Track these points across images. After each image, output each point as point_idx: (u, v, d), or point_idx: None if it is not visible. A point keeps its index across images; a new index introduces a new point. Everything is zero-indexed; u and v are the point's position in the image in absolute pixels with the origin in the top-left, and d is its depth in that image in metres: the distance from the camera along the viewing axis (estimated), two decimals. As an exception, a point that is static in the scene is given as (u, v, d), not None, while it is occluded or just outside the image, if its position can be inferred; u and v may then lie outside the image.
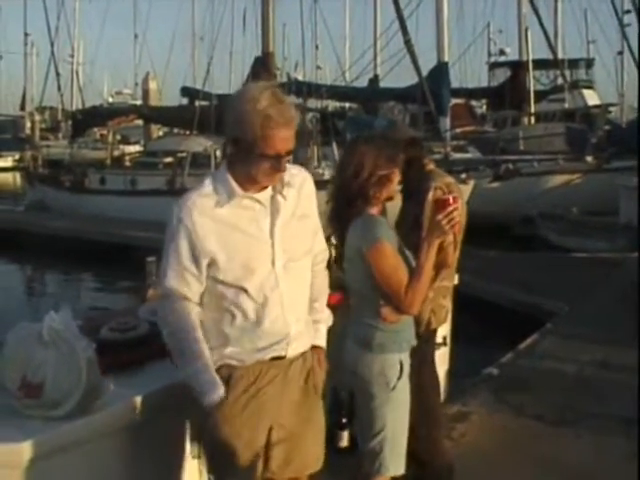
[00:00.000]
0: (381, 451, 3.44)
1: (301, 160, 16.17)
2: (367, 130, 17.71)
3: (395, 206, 3.89)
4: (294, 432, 3.03)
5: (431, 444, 4.25)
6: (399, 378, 3.42)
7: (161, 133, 31.36)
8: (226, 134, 2.93)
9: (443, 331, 4.73)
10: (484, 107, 37.83)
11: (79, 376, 2.82)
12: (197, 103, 23.89)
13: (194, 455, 3.22)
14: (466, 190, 10.67)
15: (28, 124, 46.11)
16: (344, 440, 4.68)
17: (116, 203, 20.28)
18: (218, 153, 19.41)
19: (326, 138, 19.78)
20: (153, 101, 27.71)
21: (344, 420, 4.63)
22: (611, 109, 34.64)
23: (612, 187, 16.24)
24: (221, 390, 2.86)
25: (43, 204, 23.27)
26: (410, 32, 18.39)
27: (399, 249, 3.41)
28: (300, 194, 3.03)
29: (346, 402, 4.35)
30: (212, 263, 2.84)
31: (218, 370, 2.89)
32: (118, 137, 29.21)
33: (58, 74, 28.58)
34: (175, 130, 28.12)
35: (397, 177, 3.53)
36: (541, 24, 24.17)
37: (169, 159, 21.82)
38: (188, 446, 3.27)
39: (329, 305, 3.39)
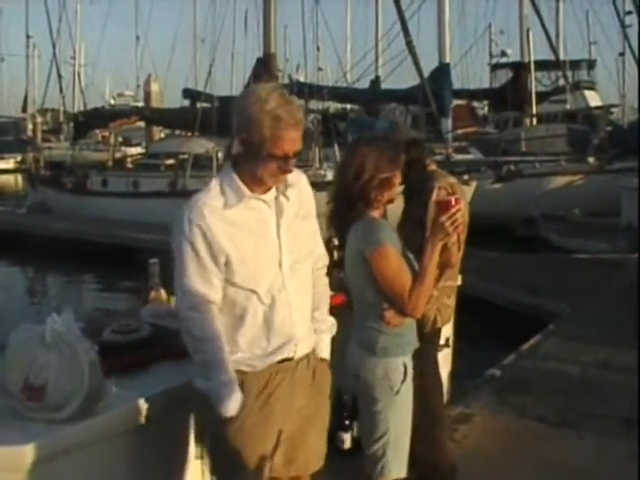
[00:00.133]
0: (384, 454, 3.43)
1: (302, 161, 16.17)
2: (368, 131, 17.74)
3: (396, 207, 3.88)
4: (298, 431, 3.05)
5: (434, 445, 4.25)
6: (403, 382, 3.41)
7: (163, 135, 31.37)
8: (232, 135, 2.91)
9: (446, 332, 4.72)
10: (486, 108, 37.79)
11: (81, 378, 2.82)
12: (199, 105, 23.85)
13: (197, 456, 3.23)
14: (468, 191, 10.66)
15: (30, 126, 46.03)
16: (347, 442, 4.69)
17: (118, 205, 20.28)
18: (220, 155, 19.38)
19: (327, 139, 19.77)
20: (155, 103, 27.70)
21: (347, 422, 4.65)
22: (613, 110, 34.56)
23: (614, 188, 16.22)
24: (239, 399, 2.86)
25: (45, 206, 23.25)
26: (412, 33, 18.36)
27: (402, 252, 3.41)
28: (300, 194, 3.04)
29: (349, 404, 4.36)
30: (227, 262, 2.82)
31: None
32: (120, 139, 29.23)
33: (60, 76, 28.61)
34: (177, 132, 28.11)
35: (399, 180, 3.52)
36: (543, 25, 24.14)
37: (171, 161, 21.78)
38: (191, 448, 3.27)
39: (331, 306, 3.39)
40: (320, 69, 41.91)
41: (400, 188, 3.97)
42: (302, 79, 27.67)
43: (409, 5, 20.21)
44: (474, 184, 13.97)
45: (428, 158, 4.47)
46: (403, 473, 3.49)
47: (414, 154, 4.21)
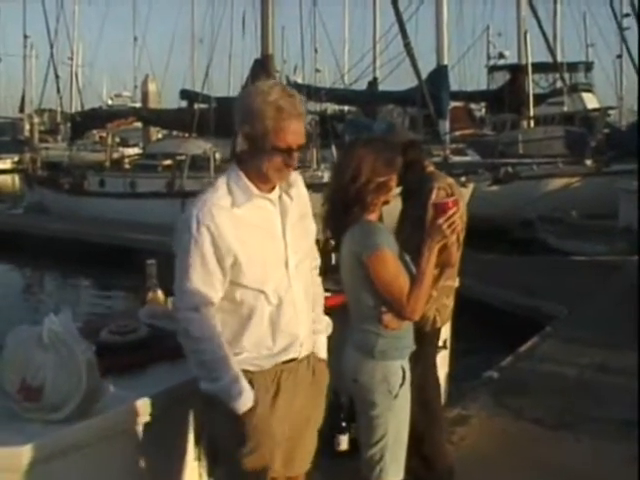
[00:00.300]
0: (382, 458, 3.42)
1: (300, 162, 16.15)
2: (366, 133, 17.73)
3: (392, 209, 3.86)
4: (297, 431, 3.06)
5: (433, 446, 4.26)
6: (401, 385, 3.40)
7: (160, 136, 31.40)
8: (235, 133, 2.90)
9: (444, 334, 4.72)
10: (483, 110, 37.80)
11: (79, 379, 2.81)
12: (196, 106, 23.84)
13: (195, 458, 3.22)
14: (465, 193, 10.65)
15: (27, 126, 45.95)
16: (344, 443, 4.70)
17: (115, 205, 20.28)
18: (217, 155, 19.42)
19: (325, 141, 19.77)
20: (152, 104, 27.68)
21: (344, 424, 4.65)
22: (610, 112, 34.60)
23: (611, 190, 16.23)
24: (251, 393, 2.85)
25: (42, 206, 23.24)
26: (409, 35, 18.43)
27: (399, 255, 3.40)
28: (300, 194, 3.05)
29: (346, 406, 4.36)
30: (234, 264, 2.81)
31: None
32: (117, 139, 29.14)
33: (57, 76, 28.67)
34: (174, 133, 28.12)
35: (395, 182, 3.50)
36: (540, 27, 24.24)
37: (168, 162, 21.76)
38: (189, 449, 3.27)
39: (326, 307, 3.39)
40: (318, 70, 41.96)
41: (397, 190, 3.97)
42: (300, 80, 27.80)
43: (407, 7, 20.30)
44: (471, 186, 13.96)
45: (426, 159, 4.47)
46: (400, 476, 3.48)
47: (412, 156, 4.21)
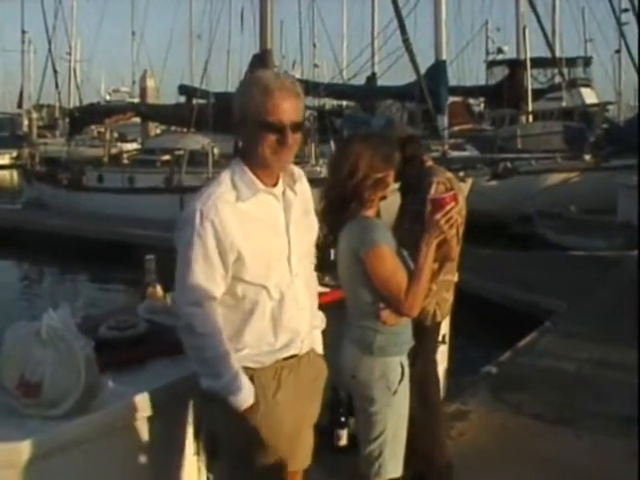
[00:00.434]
0: (380, 454, 3.41)
1: (298, 158, 16.15)
2: (365, 128, 17.74)
3: (390, 204, 3.85)
4: (297, 427, 3.04)
5: (433, 442, 4.27)
6: (400, 381, 3.40)
7: (158, 131, 31.41)
8: (234, 122, 2.88)
9: (443, 329, 4.73)
10: (482, 105, 37.87)
11: (78, 375, 2.80)
12: (195, 101, 23.78)
13: (194, 453, 3.22)
14: (464, 188, 10.65)
15: (25, 122, 46.11)
16: (343, 438, 4.71)
17: (114, 201, 20.25)
18: (216, 151, 19.40)
19: (324, 136, 19.77)
20: (150, 99, 27.64)
21: (343, 419, 4.66)
22: (609, 107, 34.63)
23: (610, 185, 16.24)
24: (252, 389, 2.84)
25: (40, 202, 23.25)
26: (408, 30, 18.38)
27: (396, 250, 3.39)
28: (304, 190, 3.05)
29: (345, 401, 4.37)
30: (238, 259, 2.79)
31: None
32: (115, 135, 29.17)
33: (55, 72, 28.54)
34: (172, 128, 28.07)
35: (392, 178, 3.49)
36: (539, 22, 24.16)
37: (167, 157, 21.76)
38: (188, 444, 3.27)
39: (324, 303, 3.38)
40: (316, 66, 42.12)
41: (396, 185, 3.96)
42: (298, 76, 27.71)
43: (406, 2, 20.26)
44: (470, 181, 13.96)
45: (425, 154, 4.47)
46: (399, 472, 3.48)
47: (412, 151, 4.21)
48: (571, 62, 35.83)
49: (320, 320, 3.28)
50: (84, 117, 27.15)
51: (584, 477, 4.73)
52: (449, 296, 4.31)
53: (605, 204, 16.13)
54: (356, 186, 3.37)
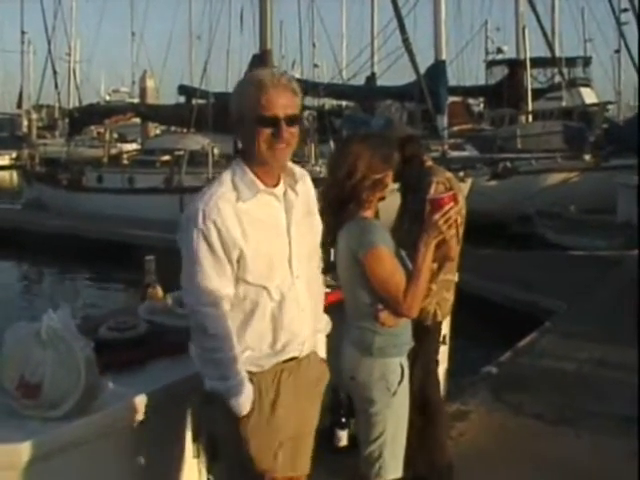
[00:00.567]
0: (380, 455, 3.41)
1: (298, 158, 16.15)
2: (364, 128, 17.73)
3: (389, 204, 3.84)
4: (299, 431, 3.03)
5: (434, 441, 4.26)
6: (400, 382, 3.39)
7: (158, 131, 31.40)
8: (231, 121, 2.88)
9: (443, 329, 4.72)
10: (481, 105, 37.87)
11: (77, 376, 2.80)
12: (194, 101, 23.77)
13: (194, 455, 3.21)
14: (464, 188, 10.65)
15: (25, 122, 46.08)
16: (343, 439, 4.70)
17: (113, 201, 20.24)
18: (216, 151, 19.40)
19: (323, 136, 19.75)
20: (150, 99, 27.63)
21: (343, 419, 4.65)
22: (609, 107, 34.62)
23: (610, 185, 16.24)
24: (252, 396, 2.83)
25: (40, 202, 23.21)
26: (408, 30, 18.39)
27: (395, 251, 3.38)
28: (306, 191, 3.03)
29: (345, 402, 4.36)
30: (240, 258, 2.78)
31: None
32: (115, 135, 29.15)
33: (55, 72, 28.53)
34: (172, 128, 28.07)
35: (391, 179, 3.47)
36: (539, 22, 24.22)
37: (166, 157, 21.75)
38: (188, 446, 3.26)
39: (325, 304, 3.37)
40: (316, 66, 42.10)
41: (395, 185, 3.96)
42: (298, 75, 27.70)
43: (405, 2, 20.23)
44: (470, 181, 13.96)
45: (425, 154, 4.47)
46: (399, 473, 3.48)
47: (412, 150, 4.21)
48: (571, 62, 35.85)
49: (325, 323, 3.26)
50: (84, 117, 27.13)
51: (584, 477, 4.73)
52: (450, 296, 4.31)
53: (605, 204, 16.14)
54: (354, 187, 3.37)
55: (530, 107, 31.34)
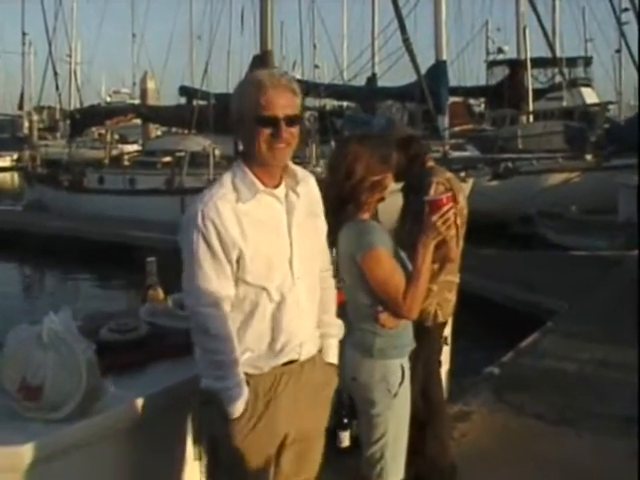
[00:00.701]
0: (382, 457, 3.41)
1: (299, 158, 16.15)
2: (365, 128, 17.74)
3: (389, 204, 3.83)
4: (306, 436, 3.02)
5: (436, 442, 4.26)
6: (401, 384, 3.39)
7: (159, 132, 31.41)
8: (232, 122, 2.88)
9: (445, 330, 4.72)
10: (482, 105, 37.88)
11: (79, 378, 2.80)
12: (195, 102, 23.80)
13: (195, 457, 3.21)
14: (465, 188, 10.64)
15: (26, 124, 46.06)
16: (345, 440, 4.69)
17: (115, 203, 20.25)
18: (217, 152, 19.41)
19: (324, 137, 19.77)
20: (151, 100, 27.64)
21: (345, 420, 4.64)
22: (609, 107, 34.63)
23: (611, 185, 16.24)
24: (246, 400, 2.82)
25: (41, 204, 23.23)
26: (408, 31, 18.37)
27: (394, 252, 3.38)
28: (309, 192, 3.02)
29: (347, 403, 4.35)
30: (240, 258, 2.77)
31: None
32: (116, 136, 29.16)
33: (56, 73, 28.54)
34: (173, 129, 28.12)
35: (390, 180, 3.46)
36: (539, 22, 24.17)
37: (167, 158, 21.77)
38: (189, 448, 3.26)
39: None
40: (316, 66, 42.20)
41: (398, 185, 3.95)
42: (298, 76, 27.73)
43: (406, 3, 20.22)
44: (471, 181, 13.92)
45: (428, 154, 4.47)
46: (401, 475, 3.47)
47: (415, 150, 4.21)
48: (571, 62, 35.89)
49: (338, 328, 3.25)
50: (85, 119, 27.14)
51: (585, 477, 4.73)
52: (451, 297, 4.30)
53: (606, 204, 16.13)
54: (353, 188, 3.36)
55: (531, 107, 31.35)
